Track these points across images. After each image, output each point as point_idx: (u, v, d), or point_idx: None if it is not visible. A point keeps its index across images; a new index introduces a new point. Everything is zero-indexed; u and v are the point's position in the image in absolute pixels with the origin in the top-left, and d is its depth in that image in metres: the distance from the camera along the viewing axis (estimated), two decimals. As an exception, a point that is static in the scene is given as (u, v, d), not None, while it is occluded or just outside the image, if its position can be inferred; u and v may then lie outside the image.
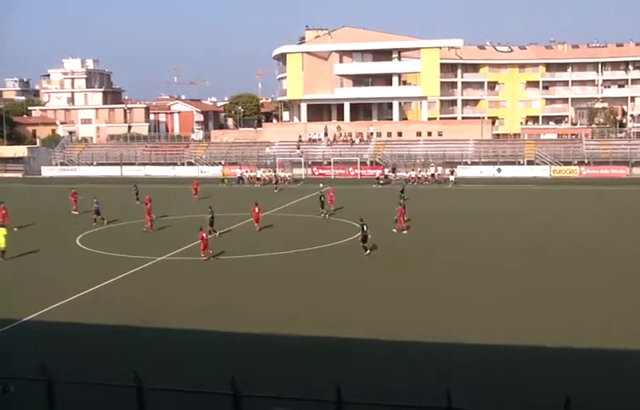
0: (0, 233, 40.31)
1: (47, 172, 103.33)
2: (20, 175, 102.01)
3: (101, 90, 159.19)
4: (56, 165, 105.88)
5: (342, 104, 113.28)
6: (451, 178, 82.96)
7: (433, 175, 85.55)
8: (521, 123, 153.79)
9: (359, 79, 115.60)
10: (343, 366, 22.31)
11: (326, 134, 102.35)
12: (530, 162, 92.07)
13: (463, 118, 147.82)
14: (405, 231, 47.15)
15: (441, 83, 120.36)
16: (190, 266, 38.64)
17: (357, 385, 19.37)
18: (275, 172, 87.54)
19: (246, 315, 28.67)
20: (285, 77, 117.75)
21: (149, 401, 15.54)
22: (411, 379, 21.25)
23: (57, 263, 39.93)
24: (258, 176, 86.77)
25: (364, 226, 40.20)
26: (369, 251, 39.83)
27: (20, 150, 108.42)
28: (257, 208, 49.50)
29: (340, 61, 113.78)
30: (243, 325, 27.10)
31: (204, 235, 39.61)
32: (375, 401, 17.31)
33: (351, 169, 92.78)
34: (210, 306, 30.44)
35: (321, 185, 57.24)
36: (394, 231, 47.05)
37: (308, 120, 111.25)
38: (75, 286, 33.57)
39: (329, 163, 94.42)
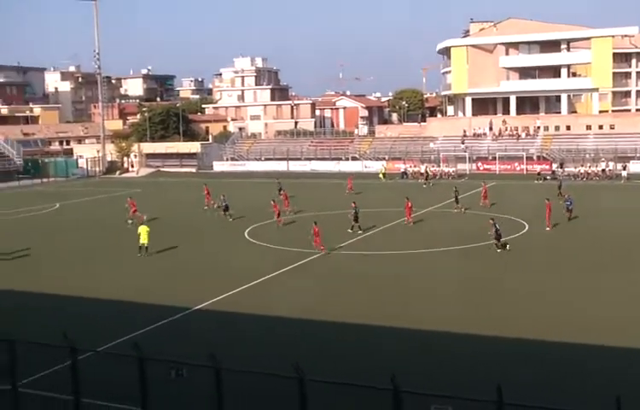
0: (143, 230, 42.43)
1: (218, 166, 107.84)
2: (194, 170, 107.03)
3: (270, 87, 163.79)
4: (227, 160, 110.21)
5: (508, 98, 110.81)
6: (624, 173, 79.10)
7: (603, 170, 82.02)
8: None
9: (526, 72, 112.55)
10: (498, 367, 22.11)
11: (491, 128, 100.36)
12: None
13: (638, 110, 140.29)
14: (548, 229, 46.20)
15: (614, 74, 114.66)
16: (351, 260, 39.40)
17: (513, 386, 19.12)
18: (429, 167, 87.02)
19: (399, 312, 28.90)
20: (449, 71, 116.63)
21: (310, 391, 16.06)
22: (578, 383, 20.76)
23: (227, 255, 41.76)
24: (422, 171, 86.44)
25: (496, 224, 40.33)
26: (499, 250, 39.69)
27: (195, 146, 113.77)
28: (409, 203, 50.05)
29: (506, 54, 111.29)
30: (396, 321, 27.42)
31: (317, 229, 40.58)
32: (537, 404, 17.01)
33: (516, 164, 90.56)
34: (366, 301, 30.93)
35: (455, 187, 57.83)
36: (547, 229, 46.08)
37: (473, 115, 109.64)
38: (243, 277, 35.10)
39: (494, 158, 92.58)
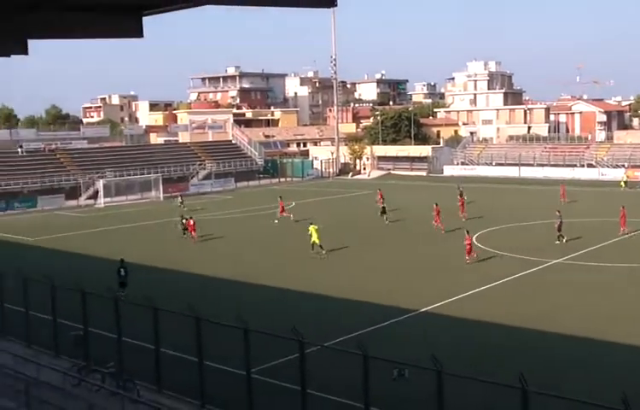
0: (312, 229, 44.16)
1: (448, 170, 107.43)
2: (424, 173, 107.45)
3: (502, 91, 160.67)
4: (457, 164, 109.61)
5: None
6: None
7: None
8: None
9: None
10: None
11: None
12: None
13: None
14: None
15: None
16: (583, 271, 37.84)
17: None
18: None
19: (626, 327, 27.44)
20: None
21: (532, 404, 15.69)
22: None
23: (454, 259, 41.52)
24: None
25: None
26: None
27: (425, 150, 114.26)
28: (624, 211, 47.82)
29: None
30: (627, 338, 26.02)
31: (469, 239, 40.09)
32: None
33: None
34: (600, 315, 29.61)
35: None
36: None
37: None
38: (470, 283, 34.97)
39: None
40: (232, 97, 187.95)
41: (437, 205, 52.24)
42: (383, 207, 57.37)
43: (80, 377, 22.54)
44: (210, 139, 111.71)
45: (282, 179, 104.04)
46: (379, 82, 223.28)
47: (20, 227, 62.24)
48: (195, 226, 51.13)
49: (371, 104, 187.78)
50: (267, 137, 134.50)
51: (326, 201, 75.97)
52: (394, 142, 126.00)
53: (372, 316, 29.65)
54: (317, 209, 68.27)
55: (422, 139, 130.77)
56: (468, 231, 41.53)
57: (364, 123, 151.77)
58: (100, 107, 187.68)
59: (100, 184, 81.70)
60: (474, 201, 64.13)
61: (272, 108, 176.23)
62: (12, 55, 18.73)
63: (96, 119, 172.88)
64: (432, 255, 43.09)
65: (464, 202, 58.65)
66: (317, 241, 43.87)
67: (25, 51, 17.60)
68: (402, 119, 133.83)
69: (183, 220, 52.44)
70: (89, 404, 16.36)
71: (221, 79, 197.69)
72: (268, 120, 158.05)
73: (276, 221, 58.02)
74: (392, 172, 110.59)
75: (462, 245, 41.77)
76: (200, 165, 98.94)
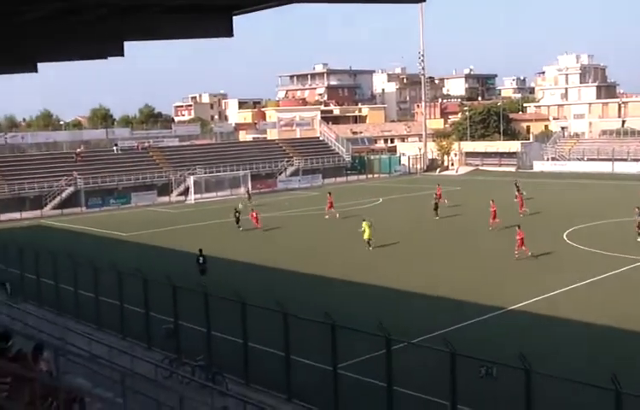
0: (365, 225, 44.63)
1: (538, 166, 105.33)
2: (513, 169, 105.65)
3: (595, 84, 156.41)
4: (548, 160, 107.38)
5: None
6: None
7: None
8: None
9: None
10: None
11: None
12: None
13: None
14: None
15: None
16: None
17: None
18: None
19: None
20: None
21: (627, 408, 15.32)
22: None
23: (543, 256, 40.77)
24: None
25: None
26: None
27: (515, 145, 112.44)
28: None
29: None
30: None
31: (522, 234, 39.71)
32: None
33: None
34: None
35: None
36: None
37: None
38: (560, 281, 34.20)
39: None
40: (320, 94, 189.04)
41: (493, 202, 51.15)
42: (436, 204, 57.27)
43: (171, 370, 23.20)
44: (298, 136, 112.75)
45: (370, 176, 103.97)
46: (467, 77, 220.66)
47: (115, 223, 64.30)
48: (259, 218, 54.86)
49: (459, 99, 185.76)
50: (354, 133, 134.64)
51: (412, 197, 75.54)
52: (483, 137, 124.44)
53: (456, 314, 29.39)
54: (402, 205, 68.25)
55: (511, 135, 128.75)
56: (519, 226, 41.13)
57: (452, 119, 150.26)
58: (191, 105, 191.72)
59: (190, 180, 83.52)
60: (530, 197, 62.79)
61: (360, 104, 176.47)
62: (109, 57, 19.35)
63: (187, 117, 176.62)
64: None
65: (522, 196, 57.59)
66: (369, 236, 44.40)
67: (121, 53, 18.15)
68: (491, 114, 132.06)
69: (237, 213, 55.54)
70: (180, 396, 16.83)
71: (309, 77, 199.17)
72: (355, 116, 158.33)
73: (327, 216, 59.31)
74: (481, 167, 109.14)
75: (547, 244, 41.04)
76: (287, 161, 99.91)
